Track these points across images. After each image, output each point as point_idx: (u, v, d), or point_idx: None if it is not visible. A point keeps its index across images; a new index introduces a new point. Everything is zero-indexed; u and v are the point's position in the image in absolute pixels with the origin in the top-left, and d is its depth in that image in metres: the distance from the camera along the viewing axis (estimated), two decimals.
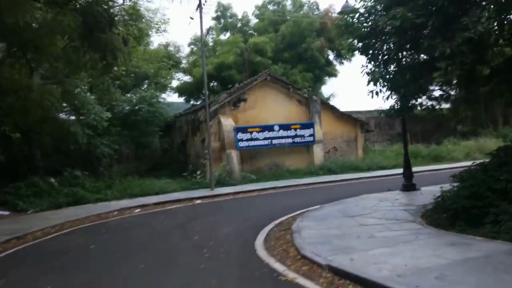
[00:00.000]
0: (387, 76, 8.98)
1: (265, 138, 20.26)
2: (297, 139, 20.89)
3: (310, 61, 29.03)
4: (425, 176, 17.25)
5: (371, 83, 9.83)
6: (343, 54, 30.60)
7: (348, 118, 22.86)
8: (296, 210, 10.97)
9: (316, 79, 30.40)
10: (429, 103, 10.54)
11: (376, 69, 9.21)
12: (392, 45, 8.74)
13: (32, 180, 15.92)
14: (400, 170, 19.87)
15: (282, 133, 20.59)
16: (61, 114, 18.40)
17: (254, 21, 34.20)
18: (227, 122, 19.88)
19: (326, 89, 44.82)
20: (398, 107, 9.15)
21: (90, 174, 17.61)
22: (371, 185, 16.06)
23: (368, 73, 10.03)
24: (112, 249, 8.43)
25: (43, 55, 13.69)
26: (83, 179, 16.90)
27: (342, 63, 32.07)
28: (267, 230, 8.99)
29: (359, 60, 75.75)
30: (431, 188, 12.24)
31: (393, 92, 9.46)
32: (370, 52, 10.21)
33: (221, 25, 33.98)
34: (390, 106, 9.49)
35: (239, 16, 34.23)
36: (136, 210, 13.95)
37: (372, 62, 10.30)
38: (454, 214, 7.49)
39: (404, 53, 8.70)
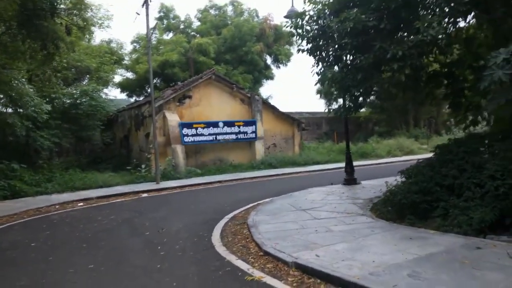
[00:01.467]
0: (338, 77, 8.53)
1: (210, 134, 19.31)
2: (240, 136, 20.17)
3: (250, 64, 28.43)
4: (358, 170, 17.32)
5: (320, 83, 9.46)
6: (280, 59, 30.42)
7: (286, 117, 22.57)
8: (246, 204, 10.27)
9: (255, 81, 29.91)
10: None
11: (327, 70, 8.75)
12: (343, 46, 8.32)
13: None
14: (334, 165, 20.22)
15: (226, 129, 19.76)
16: None
17: (196, 23, 33.00)
18: (173, 118, 18.66)
19: (263, 91, 44.58)
20: (347, 106, 8.74)
21: (28, 167, 15.56)
22: (311, 179, 15.78)
23: (318, 74, 9.61)
24: (55, 247, 7.14)
25: None
26: (21, 172, 14.85)
27: (279, 67, 31.88)
28: (222, 224, 8.17)
29: (295, 64, 76.97)
30: (370, 182, 12.20)
31: (341, 92, 9.11)
32: (319, 53, 9.82)
33: (164, 25, 32.33)
34: (339, 105, 9.13)
35: (182, 18, 32.92)
36: (79, 204, 12.43)
37: (320, 63, 9.94)
38: (403, 208, 7.21)
39: (356, 54, 8.26)
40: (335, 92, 34.96)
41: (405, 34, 7.95)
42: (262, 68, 29.82)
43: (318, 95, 45.06)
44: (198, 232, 7.70)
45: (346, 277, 4.51)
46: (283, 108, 22.53)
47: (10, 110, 16.84)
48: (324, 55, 9.64)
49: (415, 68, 7.67)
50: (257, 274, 5.16)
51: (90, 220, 9.56)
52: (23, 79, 14.79)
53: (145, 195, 13.79)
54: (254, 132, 20.53)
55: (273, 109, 22.02)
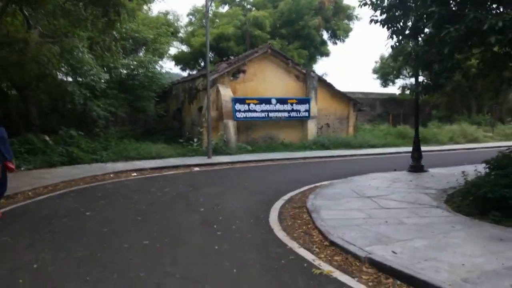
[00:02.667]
0: (418, 51, 7.56)
1: (262, 111, 18.80)
2: (293, 114, 19.50)
3: (306, 39, 27.32)
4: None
5: (396, 57, 8.52)
6: (338, 34, 28.98)
7: (342, 96, 21.51)
8: (302, 185, 9.70)
9: (310, 57, 28.80)
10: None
11: (406, 43, 7.79)
12: (428, 15, 7.32)
13: (26, 137, 14.19)
14: (392, 149, 19.08)
15: (279, 106, 19.14)
16: (59, 74, 16.59)
17: None
18: (226, 92, 18.29)
19: (317, 68, 43.07)
20: (427, 84, 7.76)
21: (85, 134, 15.91)
22: (369, 163, 14.91)
23: (393, 47, 8.68)
24: (110, 218, 7.00)
25: (41, 10, 11.83)
26: (79, 139, 15.20)
27: (336, 43, 30.45)
28: (278, 206, 7.68)
29: (351, 41, 74.13)
30: (439, 170, 11.18)
31: (421, 68, 8.14)
32: (395, 24, 8.84)
33: None
34: (418, 83, 8.18)
35: None
36: (133, 174, 12.48)
37: (395, 36, 8.98)
38: (487, 202, 6.32)
39: (444, 25, 7.23)
40: (407, 69, 33.23)
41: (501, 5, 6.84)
42: (318, 43, 28.61)
43: (374, 75, 43.27)
44: (254, 212, 7.27)
45: (435, 282, 3.85)
46: (337, 87, 21.43)
47: (70, 79, 17.27)
48: (401, 26, 8.69)
49: None
50: (325, 267, 4.61)
51: (144, 192, 9.44)
52: (84, 48, 14.95)
53: (197, 169, 13.63)
54: (308, 110, 19.77)
55: (329, 87, 21.03)
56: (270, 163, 14.94)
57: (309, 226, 6.23)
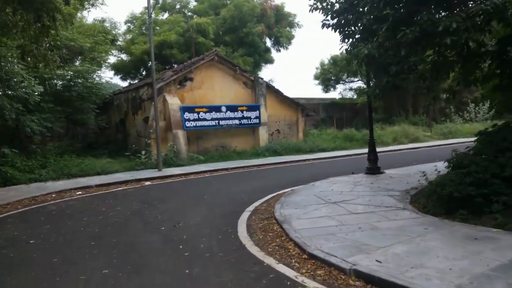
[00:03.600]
0: (374, 53, 7.58)
1: (212, 119, 18.33)
2: (244, 121, 19.24)
3: (250, 46, 27.31)
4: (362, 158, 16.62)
5: (352, 60, 8.53)
6: (281, 42, 29.32)
7: (290, 102, 21.64)
8: (264, 194, 9.40)
9: (255, 64, 28.82)
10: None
11: (362, 46, 7.79)
12: (382, 18, 7.38)
13: None
14: (341, 152, 19.44)
15: (229, 114, 18.80)
16: None
17: (193, 3, 31.70)
18: (173, 101, 17.61)
19: (262, 75, 43.35)
20: (385, 86, 7.80)
21: (20, 152, 14.44)
22: (323, 167, 14.97)
23: (347, 51, 8.70)
24: (59, 245, 6.19)
25: None
26: (13, 157, 13.74)
27: (279, 50, 30.80)
28: (245, 219, 7.29)
29: (295, 48, 75.66)
30: (395, 171, 11.40)
31: (377, 71, 8.20)
32: (347, 28, 8.91)
33: (159, 5, 30.85)
34: (373, 86, 8.24)
35: None
36: (78, 193, 11.46)
37: (348, 40, 9.04)
38: (453, 201, 6.40)
39: (398, 27, 7.32)
40: (347, 74, 34.15)
41: (456, 2, 7.05)
42: (262, 51, 28.75)
43: (316, 81, 44.48)
44: (220, 227, 6.82)
45: None
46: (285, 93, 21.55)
47: None
48: (353, 30, 8.75)
49: (469, 43, 6.76)
50: (310, 283, 4.31)
51: (94, 212, 8.61)
52: (14, 58, 13.56)
53: (148, 183, 12.85)
54: (258, 117, 19.63)
55: (277, 93, 21.06)
56: (225, 172, 14.50)
57: (282, 238, 5.91)
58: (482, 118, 32.43)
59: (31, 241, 6.41)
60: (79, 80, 18.88)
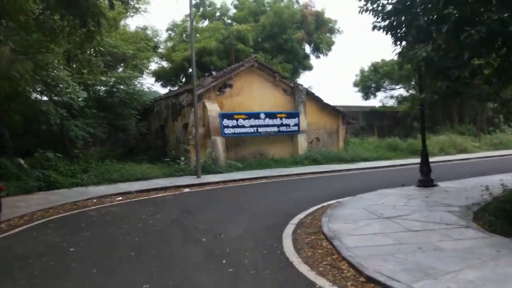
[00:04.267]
0: (433, 56, 6.96)
1: (251, 126, 18.03)
2: (283, 128, 18.81)
3: (289, 53, 26.90)
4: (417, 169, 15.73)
5: (406, 63, 7.93)
6: (321, 48, 28.75)
7: (331, 109, 20.99)
8: (308, 206, 8.89)
9: (293, 71, 28.37)
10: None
11: (419, 48, 7.19)
12: (443, 18, 6.78)
13: None
14: (386, 163, 18.52)
15: (268, 121, 18.43)
16: (33, 94, 15.45)
17: (233, 10, 31.69)
18: (213, 108, 17.47)
19: (301, 82, 42.94)
20: (444, 92, 7.14)
21: (63, 156, 14.72)
22: (367, 177, 14.27)
23: (400, 54, 8.10)
24: (98, 254, 6.00)
25: (12, 23, 10.81)
26: (56, 162, 14.01)
27: (319, 56, 30.18)
28: (290, 232, 6.84)
29: (335, 54, 74.72)
30: (449, 184, 10.58)
31: (434, 75, 7.55)
32: (400, 30, 8.31)
33: (200, 13, 31.16)
34: (430, 92, 7.62)
35: (218, 5, 31.71)
36: (118, 198, 11.43)
37: (399, 43, 8.45)
38: None
39: (461, 28, 6.68)
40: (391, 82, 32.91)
41: None
42: (301, 57, 28.25)
43: (355, 88, 43.39)
44: (264, 240, 6.40)
45: None
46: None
47: (45, 98, 16.14)
48: (407, 31, 8.14)
49: None
50: None
51: (134, 219, 8.44)
52: (60, 64, 13.89)
53: (187, 190, 12.66)
54: (297, 124, 19.13)
55: (317, 101, 20.48)
56: (264, 181, 14.11)
57: (334, 256, 5.40)
58: None
59: (71, 249, 6.27)
60: (121, 87, 19.22)
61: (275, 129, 18.63)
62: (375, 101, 69.31)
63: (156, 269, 5.26)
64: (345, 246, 5.59)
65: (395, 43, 8.57)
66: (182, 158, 16.32)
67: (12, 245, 6.75)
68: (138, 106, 19.70)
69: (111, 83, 18.77)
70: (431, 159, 19.22)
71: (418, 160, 18.82)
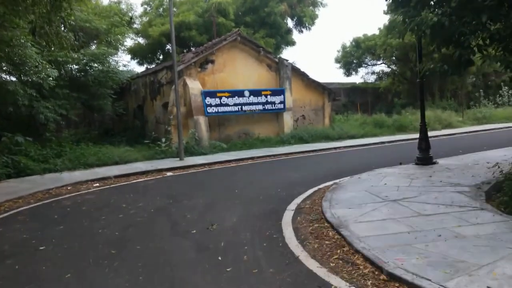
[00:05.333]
0: (444, 21, 6.25)
1: (235, 104, 17.18)
2: (268, 106, 18.03)
3: (272, 27, 25.88)
4: (407, 145, 15.38)
5: (412, 31, 7.21)
6: (304, 22, 27.79)
7: (316, 86, 20.27)
8: (304, 189, 8.26)
9: (276, 46, 27.41)
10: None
11: (428, 13, 6.47)
12: None
13: None
14: (374, 139, 18.07)
15: (253, 99, 17.60)
16: (1, 74, 14.13)
17: None
18: (194, 85, 16.49)
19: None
20: (455, 61, 6.49)
21: (34, 140, 13.59)
22: (358, 155, 13.75)
23: (405, 21, 7.36)
24: (72, 253, 5.20)
25: None
26: (27, 146, 12.89)
27: (302, 31, 29.22)
28: (289, 220, 6.18)
29: (317, 29, 73.40)
30: (448, 161, 10.10)
31: (444, 43, 6.85)
32: None
33: None
34: (433, 64, 6.97)
35: None
36: (95, 184, 10.54)
37: (400, 8, 7.72)
38: None
39: None
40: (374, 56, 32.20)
41: None
42: (284, 32, 27.27)
43: (337, 64, 42.80)
44: (262, 230, 5.73)
45: None
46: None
47: (13, 78, 14.83)
48: None
49: None
50: None
51: (113, 208, 7.63)
52: (27, 40, 12.58)
53: (170, 173, 11.85)
54: (283, 102, 18.38)
55: (303, 76, 19.70)
56: (251, 162, 13.41)
57: (344, 249, 4.77)
58: None
59: (41, 248, 5.44)
60: (95, 64, 17.95)
61: (260, 107, 17.85)
62: (357, 78, 69.16)
63: (141, 270, 4.52)
64: (356, 235, 4.97)
65: (395, 9, 7.87)
66: (163, 140, 15.41)
67: None
68: (113, 85, 18.50)
69: (84, 60, 17.45)
70: (417, 135, 19.09)
71: (406, 136, 18.71)
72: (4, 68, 14.26)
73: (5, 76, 14.96)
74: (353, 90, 37.52)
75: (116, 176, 11.38)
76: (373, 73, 44.98)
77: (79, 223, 6.69)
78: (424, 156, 9.55)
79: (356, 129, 20.03)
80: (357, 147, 16.14)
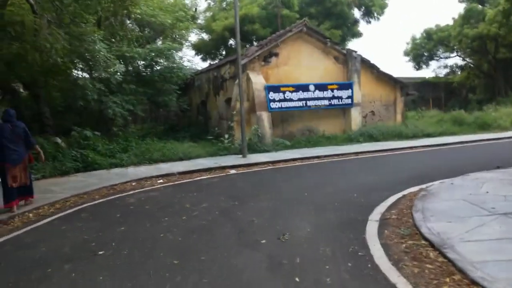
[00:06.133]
0: None
1: (299, 99, 16.32)
2: (334, 101, 16.95)
3: (338, 18, 24.59)
4: (493, 145, 13.59)
5: None
6: (373, 11, 26.11)
7: (387, 79, 18.74)
8: (385, 194, 7.22)
9: (341, 39, 26.02)
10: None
11: None
12: None
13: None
14: (454, 139, 16.24)
15: (318, 93, 16.62)
16: (74, 71, 14.56)
17: None
18: (258, 80, 15.87)
19: None
20: None
21: (102, 135, 13.79)
22: (441, 156, 12.29)
23: None
24: (132, 261, 4.71)
25: None
26: (95, 141, 13.08)
27: (369, 22, 27.51)
28: (374, 232, 5.24)
29: (387, 19, 70.03)
30: None
31: None
32: None
33: None
34: None
35: None
36: (159, 181, 10.30)
37: None
38: None
39: None
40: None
41: None
42: (350, 23, 25.82)
43: (406, 57, 40.18)
44: (344, 245, 4.87)
45: None
46: None
47: (86, 75, 15.25)
48: None
49: None
50: None
51: (177, 209, 7.16)
52: (96, 36, 12.71)
53: (233, 171, 11.34)
54: (350, 97, 17.20)
55: (372, 69, 18.31)
56: (317, 161, 12.50)
57: (455, 277, 3.75)
58: None
59: (100, 252, 5.03)
60: (161, 60, 18.03)
61: (326, 102, 16.82)
62: (427, 72, 64.85)
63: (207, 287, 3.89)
64: (467, 260, 3.94)
65: None
66: (226, 136, 15.00)
67: (35, 243, 5.63)
68: (178, 80, 18.49)
69: (150, 56, 17.56)
70: (503, 134, 16.93)
71: (490, 135, 16.63)
72: (80, 67, 14.67)
73: (77, 72, 15.42)
74: (423, 85, 35.07)
75: (180, 173, 11.08)
76: (445, 66, 41.80)
77: (141, 225, 6.27)
78: None
79: (432, 126, 18.29)
80: (435, 146, 14.56)
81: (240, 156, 13.45)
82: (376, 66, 18.24)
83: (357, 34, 27.78)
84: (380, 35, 66.84)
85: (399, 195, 7.12)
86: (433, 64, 42.41)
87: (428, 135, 17.10)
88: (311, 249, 4.79)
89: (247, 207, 7.02)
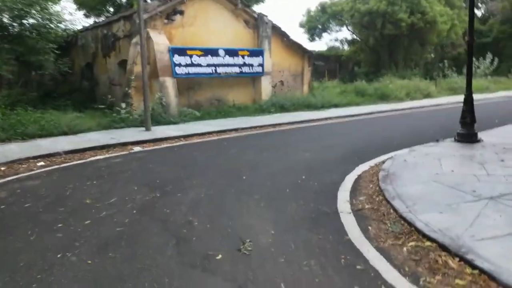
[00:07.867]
0: None
1: (208, 65, 14.56)
2: (245, 69, 15.61)
3: None
4: (400, 117, 13.84)
5: None
6: None
7: (297, 48, 18.01)
8: (336, 175, 6.18)
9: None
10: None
11: None
12: None
13: None
14: (361, 109, 16.32)
15: (228, 59, 15.06)
16: None
17: None
18: (160, 40, 13.61)
19: None
20: None
21: None
22: (363, 128, 11.85)
23: None
24: None
25: None
26: None
27: None
28: (357, 232, 4.05)
29: None
30: (490, 138, 8.43)
31: None
32: None
33: None
34: None
35: None
36: (40, 164, 7.85)
37: None
38: None
39: None
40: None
41: None
42: None
43: (302, 29, 40.78)
44: (329, 252, 3.60)
45: None
46: None
47: None
48: None
49: None
50: None
51: (71, 207, 5.11)
52: None
53: (138, 148, 9.33)
54: (261, 65, 16.06)
55: (283, 37, 17.36)
56: (236, 134, 11.12)
57: None
58: (481, 74, 30.18)
59: None
60: (33, 11, 14.39)
61: (237, 69, 15.39)
62: (320, 44, 67.51)
63: None
64: (504, 270, 3.00)
65: None
66: (123, 105, 12.60)
67: None
68: (57, 38, 15.12)
69: (19, 7, 13.79)
70: (400, 105, 17.71)
71: (392, 106, 17.18)
72: None
73: None
74: (317, 57, 35.95)
75: (66, 152, 8.67)
76: (336, 40, 43.70)
77: (21, 237, 4.15)
78: (469, 132, 7.80)
79: (337, 97, 18.23)
80: (349, 117, 14.31)
81: (143, 129, 11.35)
82: (286, 34, 17.31)
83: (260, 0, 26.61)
84: (280, 5, 66.96)
85: (353, 175, 6.15)
86: (326, 36, 44.22)
87: (336, 106, 16.98)
88: (291, 266, 3.40)
89: (174, 200, 5.32)
